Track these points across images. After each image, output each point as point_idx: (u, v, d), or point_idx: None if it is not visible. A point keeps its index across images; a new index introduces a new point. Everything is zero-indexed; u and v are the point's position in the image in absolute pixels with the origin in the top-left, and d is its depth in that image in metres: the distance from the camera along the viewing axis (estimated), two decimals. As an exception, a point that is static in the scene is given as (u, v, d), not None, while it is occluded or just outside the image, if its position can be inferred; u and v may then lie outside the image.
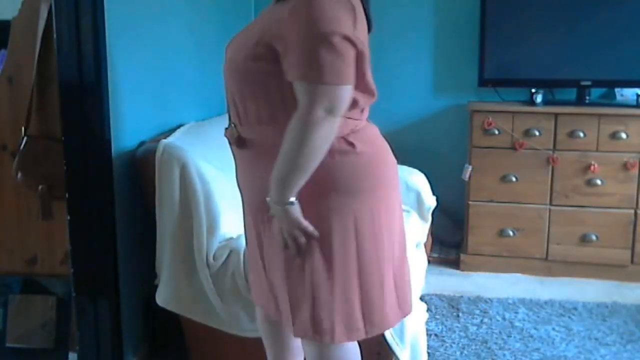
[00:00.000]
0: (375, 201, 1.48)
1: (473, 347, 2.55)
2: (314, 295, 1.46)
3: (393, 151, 1.58)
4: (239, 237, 2.10)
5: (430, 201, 2.85)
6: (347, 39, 1.32)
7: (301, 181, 1.38)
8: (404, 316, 1.59)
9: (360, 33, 1.36)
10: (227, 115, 1.59)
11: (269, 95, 1.42)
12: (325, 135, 1.34)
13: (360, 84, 1.42)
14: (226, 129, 1.57)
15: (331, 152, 1.41)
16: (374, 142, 1.52)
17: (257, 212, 1.55)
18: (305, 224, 1.41)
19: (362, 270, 1.47)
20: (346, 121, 1.43)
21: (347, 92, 1.35)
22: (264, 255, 1.59)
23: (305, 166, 1.36)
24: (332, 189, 1.44)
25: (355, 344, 1.60)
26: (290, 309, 1.50)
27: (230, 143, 1.57)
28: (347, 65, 1.34)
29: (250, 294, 1.79)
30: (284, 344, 1.73)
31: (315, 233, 1.42)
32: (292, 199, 1.39)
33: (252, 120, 1.47)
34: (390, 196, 1.54)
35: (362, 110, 1.49)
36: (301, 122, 1.33)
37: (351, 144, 1.45)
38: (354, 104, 1.43)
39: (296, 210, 1.40)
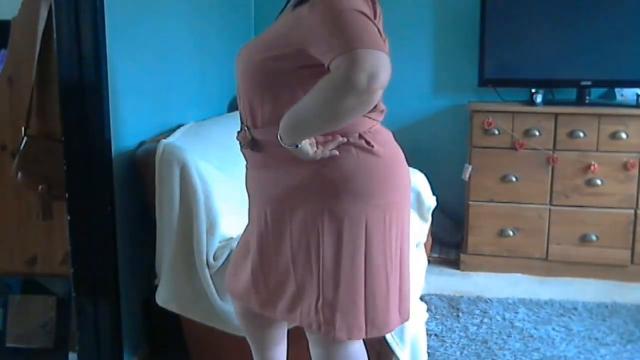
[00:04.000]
0: (388, 206, 1.48)
1: (473, 347, 2.55)
2: (319, 290, 1.48)
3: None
4: (239, 237, 2.09)
5: (430, 201, 2.85)
6: (366, 16, 1.28)
7: (311, 135, 1.38)
8: (403, 322, 1.60)
9: (380, 26, 1.36)
10: (238, 119, 1.60)
11: (284, 96, 1.42)
12: (359, 103, 1.23)
13: None
14: (238, 132, 1.58)
15: (350, 149, 1.43)
16: (390, 145, 1.52)
17: (262, 210, 1.56)
18: (319, 155, 1.41)
19: (369, 273, 1.48)
20: (364, 119, 1.43)
21: (386, 60, 1.23)
22: (262, 250, 1.58)
23: (322, 125, 1.33)
24: (347, 189, 1.44)
25: (362, 346, 1.61)
26: (294, 299, 1.53)
27: (242, 146, 1.57)
28: (376, 34, 1.26)
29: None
30: (264, 334, 1.76)
31: (335, 152, 1.41)
32: (299, 144, 1.38)
33: (266, 121, 1.48)
34: (402, 202, 1.53)
35: (381, 111, 1.50)
36: (337, 82, 1.23)
37: (369, 144, 1.45)
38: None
39: (304, 150, 1.40)
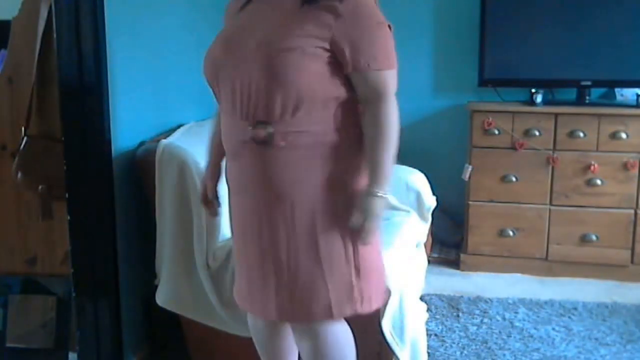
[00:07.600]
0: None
1: (473, 347, 2.55)
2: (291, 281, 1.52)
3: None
4: (239, 237, 2.09)
5: (430, 201, 2.85)
6: (390, 29, 1.50)
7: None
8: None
9: None
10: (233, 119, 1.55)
11: (296, 87, 1.43)
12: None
13: None
14: (236, 132, 1.52)
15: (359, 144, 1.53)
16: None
17: (267, 207, 1.51)
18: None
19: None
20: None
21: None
22: (264, 253, 1.54)
23: (394, 151, 1.48)
24: (350, 180, 1.52)
25: (347, 331, 1.61)
26: (307, 294, 1.51)
27: (244, 144, 1.51)
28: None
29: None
30: (273, 345, 1.75)
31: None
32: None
33: (280, 113, 1.45)
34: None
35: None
36: (387, 109, 1.49)
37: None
38: None
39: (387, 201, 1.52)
